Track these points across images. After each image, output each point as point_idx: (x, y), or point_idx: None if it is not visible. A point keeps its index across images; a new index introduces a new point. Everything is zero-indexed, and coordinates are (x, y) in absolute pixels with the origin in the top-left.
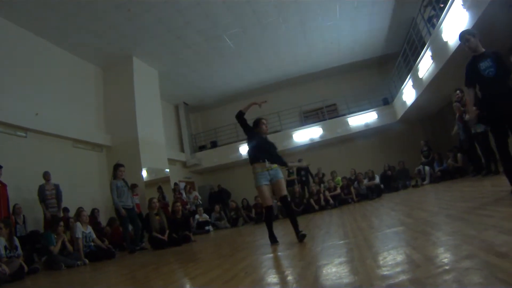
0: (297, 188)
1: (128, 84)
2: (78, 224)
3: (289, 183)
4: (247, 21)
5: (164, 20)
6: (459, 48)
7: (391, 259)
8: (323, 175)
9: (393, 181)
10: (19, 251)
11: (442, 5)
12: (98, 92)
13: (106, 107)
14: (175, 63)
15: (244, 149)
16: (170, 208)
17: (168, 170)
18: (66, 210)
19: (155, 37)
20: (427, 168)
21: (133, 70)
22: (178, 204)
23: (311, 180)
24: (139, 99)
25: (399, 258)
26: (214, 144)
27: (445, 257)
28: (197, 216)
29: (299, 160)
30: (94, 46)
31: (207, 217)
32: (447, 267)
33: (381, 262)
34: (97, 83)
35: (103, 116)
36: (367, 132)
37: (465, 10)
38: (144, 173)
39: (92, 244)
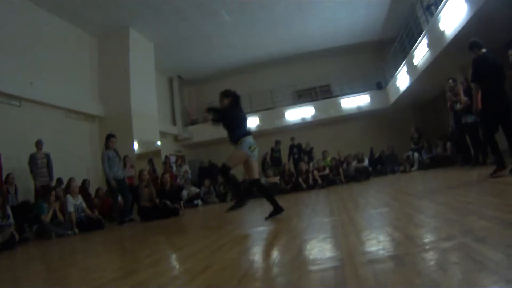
0: (287, 166)
1: (123, 55)
2: (69, 197)
3: (276, 161)
4: None
5: None
6: (455, 38)
7: (373, 237)
8: (312, 148)
9: (382, 165)
10: (11, 220)
11: None
12: (92, 63)
13: (100, 77)
14: (172, 36)
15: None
16: (159, 181)
17: (159, 143)
18: (59, 181)
19: (153, 8)
20: (416, 154)
21: (129, 41)
22: (167, 175)
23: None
24: (134, 71)
25: (381, 236)
26: (206, 119)
27: (425, 237)
28: (185, 191)
29: (292, 139)
30: (91, 15)
31: (198, 189)
32: (426, 247)
33: (363, 239)
34: (92, 53)
35: (97, 87)
36: (359, 115)
37: (464, 1)
38: (136, 145)
39: (83, 214)
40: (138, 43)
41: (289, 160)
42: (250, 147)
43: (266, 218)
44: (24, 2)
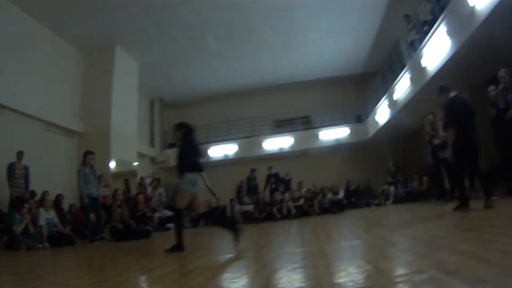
0: (262, 195)
1: (108, 73)
2: (42, 210)
3: (253, 189)
4: (234, 24)
5: (152, 12)
6: (436, 74)
7: (343, 268)
8: (290, 179)
9: (357, 198)
10: None
11: (426, 28)
12: (76, 77)
13: (83, 93)
14: (157, 57)
15: (214, 151)
16: (133, 201)
17: (136, 163)
18: (33, 193)
19: (141, 28)
20: (392, 188)
21: (114, 59)
22: (141, 196)
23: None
24: (116, 89)
25: (351, 268)
26: None
27: (396, 270)
28: (157, 214)
29: (269, 168)
30: (80, 30)
31: (171, 213)
32: (397, 280)
33: (333, 271)
34: (77, 67)
35: (78, 102)
36: (337, 147)
37: (448, 37)
38: (113, 164)
39: (55, 229)
40: (123, 61)
41: (265, 189)
42: (191, 183)
43: (167, 250)
44: (14, 9)
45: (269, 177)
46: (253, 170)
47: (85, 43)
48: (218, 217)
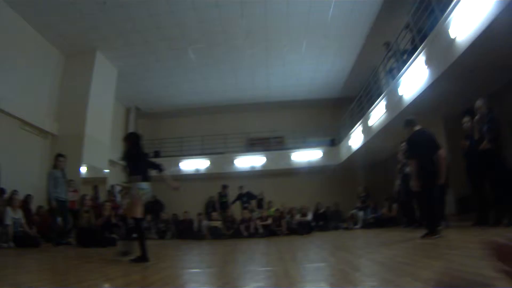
0: (229, 212)
1: (86, 77)
2: (9, 209)
3: (225, 206)
4: (215, 39)
5: (136, 20)
6: (413, 103)
7: None
8: (262, 198)
9: (326, 221)
10: None
11: (405, 57)
12: (55, 79)
13: (60, 95)
14: (136, 66)
15: (185, 165)
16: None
17: (107, 171)
18: (2, 191)
19: (123, 35)
20: (361, 213)
21: (94, 64)
22: (108, 203)
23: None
24: (94, 95)
25: None
26: (157, 154)
27: None
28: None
29: (240, 188)
30: (63, 31)
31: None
32: None
33: None
34: (57, 69)
35: (55, 104)
36: (309, 169)
37: (426, 67)
38: (83, 169)
39: (21, 229)
40: (103, 67)
41: (233, 203)
42: (139, 191)
43: (131, 260)
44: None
45: (240, 195)
46: (225, 187)
47: (68, 46)
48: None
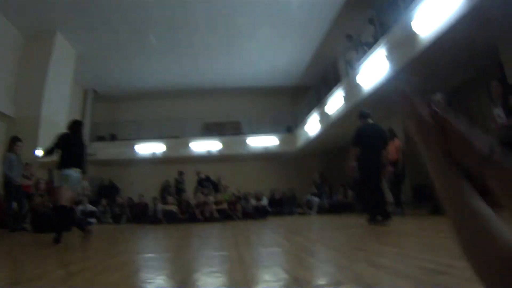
0: (185, 196)
1: (45, 58)
2: None
3: (180, 193)
4: (175, 23)
5: (97, 1)
6: (371, 93)
7: (259, 276)
8: (217, 184)
9: (281, 206)
10: None
11: (366, 49)
12: (13, 59)
13: (18, 76)
14: (96, 48)
15: (141, 149)
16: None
17: None
18: None
19: (83, 16)
20: (316, 198)
21: (53, 45)
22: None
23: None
24: (51, 77)
25: (267, 276)
26: (113, 137)
27: (313, 281)
28: (81, 207)
29: (197, 173)
30: (24, 12)
31: (94, 208)
32: None
33: (249, 278)
34: (16, 49)
35: (13, 86)
36: (265, 155)
37: (386, 59)
38: (39, 152)
39: None
40: (61, 49)
41: (196, 192)
42: (63, 179)
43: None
44: None
45: (201, 181)
46: (181, 173)
47: (28, 26)
48: (66, 217)
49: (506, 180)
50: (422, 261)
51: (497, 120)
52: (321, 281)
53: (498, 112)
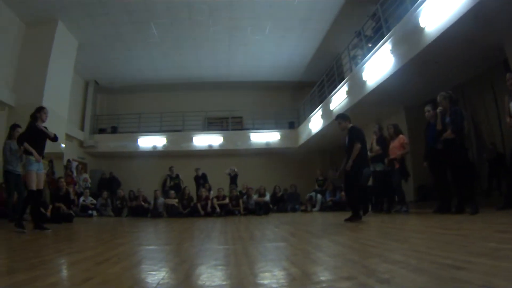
0: (187, 190)
1: (46, 48)
2: None
3: (176, 188)
4: (178, 14)
5: None
6: (375, 90)
7: (267, 269)
8: (236, 175)
9: (283, 203)
10: None
11: (370, 45)
12: (14, 47)
13: (19, 65)
14: (97, 39)
15: (143, 142)
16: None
17: (64, 145)
18: None
19: (85, 5)
20: (319, 196)
21: (55, 34)
22: (62, 180)
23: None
24: (53, 66)
25: (276, 270)
26: (114, 130)
27: (323, 275)
28: (82, 198)
29: (197, 170)
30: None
31: (94, 201)
32: (324, 284)
33: (256, 271)
34: (17, 38)
35: (13, 74)
36: (267, 151)
37: (392, 55)
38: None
39: None
40: (63, 38)
41: (197, 191)
42: (32, 164)
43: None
44: None
45: (197, 178)
46: (170, 168)
47: (29, 14)
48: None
49: None
50: (436, 257)
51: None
52: (331, 276)
53: None
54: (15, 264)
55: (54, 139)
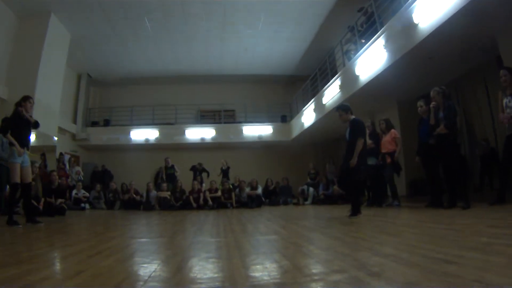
0: (179, 183)
1: (39, 41)
2: None
3: (170, 178)
4: (171, 8)
5: None
6: (368, 84)
7: (259, 262)
8: (229, 167)
9: (275, 196)
10: None
11: (363, 41)
12: (7, 40)
13: (11, 58)
14: (90, 32)
15: (135, 135)
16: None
17: (56, 138)
18: None
19: None
20: (311, 189)
21: (47, 27)
22: (55, 173)
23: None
24: (45, 59)
25: (267, 262)
26: (107, 123)
27: (314, 268)
28: (74, 191)
29: (199, 164)
30: None
31: (87, 193)
32: (315, 277)
33: (248, 264)
34: (10, 31)
35: (5, 67)
36: (259, 144)
37: (385, 50)
38: (32, 136)
39: None
40: (56, 31)
41: (194, 179)
42: (16, 156)
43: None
44: None
45: (194, 170)
46: (166, 159)
47: (21, 7)
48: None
49: None
50: (428, 251)
51: (505, 110)
52: (323, 268)
53: (507, 101)
54: (6, 258)
55: (35, 125)
